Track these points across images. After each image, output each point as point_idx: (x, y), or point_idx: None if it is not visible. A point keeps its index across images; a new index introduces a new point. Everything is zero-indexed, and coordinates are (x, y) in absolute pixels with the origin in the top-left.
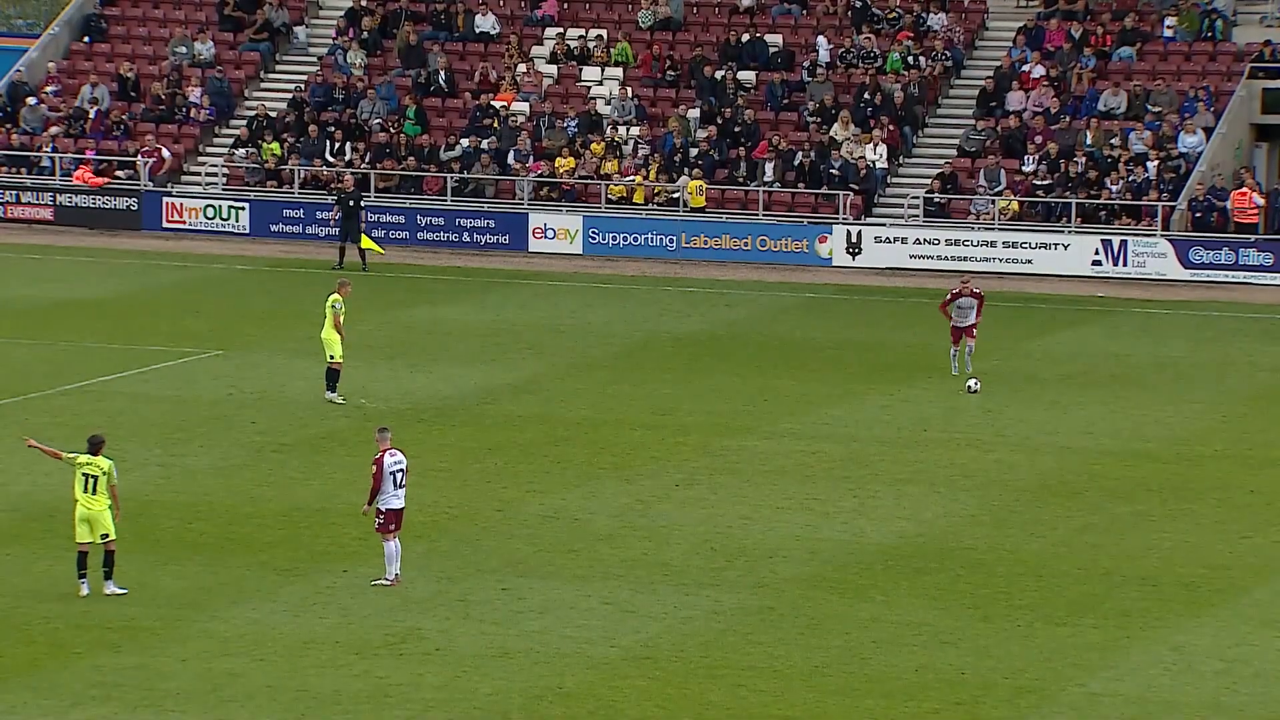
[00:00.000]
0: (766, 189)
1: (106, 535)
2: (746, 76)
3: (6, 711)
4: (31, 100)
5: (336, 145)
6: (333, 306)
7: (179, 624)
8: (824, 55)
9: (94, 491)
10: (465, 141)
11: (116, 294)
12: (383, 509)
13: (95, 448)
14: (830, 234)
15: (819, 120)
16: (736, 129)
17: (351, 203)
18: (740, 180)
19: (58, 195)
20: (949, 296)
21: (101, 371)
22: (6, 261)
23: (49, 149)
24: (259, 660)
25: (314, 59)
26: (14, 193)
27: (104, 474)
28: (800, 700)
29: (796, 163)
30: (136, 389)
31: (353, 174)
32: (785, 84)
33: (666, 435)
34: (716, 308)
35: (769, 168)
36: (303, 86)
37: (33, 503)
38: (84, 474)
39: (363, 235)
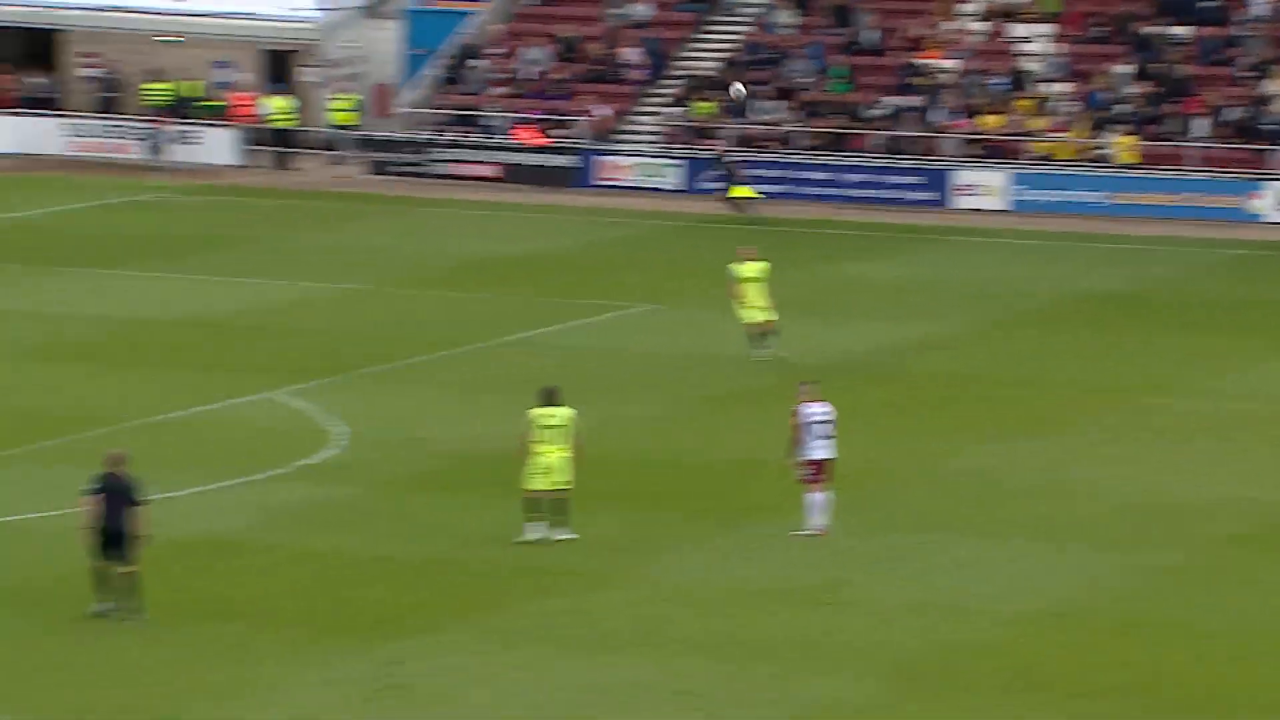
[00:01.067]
0: (1198, 145)
1: (564, 483)
2: (1177, 32)
3: (445, 650)
4: (477, 62)
5: (767, 104)
6: (731, 273)
7: (612, 570)
8: (1260, 8)
9: (553, 441)
10: (891, 99)
11: (555, 249)
12: (805, 459)
13: (550, 397)
14: (1262, 190)
15: (1255, 74)
16: (1167, 85)
17: (729, 164)
18: (1170, 136)
19: (504, 153)
20: None
21: (540, 324)
22: (457, 218)
23: (494, 109)
24: (688, 606)
25: (745, 19)
26: (463, 151)
27: (564, 423)
28: (1225, 664)
29: (1229, 118)
30: (572, 342)
31: (728, 130)
32: (1218, 38)
33: (1088, 393)
34: (1143, 265)
35: (1201, 124)
36: (740, 46)
37: (480, 450)
38: (541, 425)
39: (733, 186)
